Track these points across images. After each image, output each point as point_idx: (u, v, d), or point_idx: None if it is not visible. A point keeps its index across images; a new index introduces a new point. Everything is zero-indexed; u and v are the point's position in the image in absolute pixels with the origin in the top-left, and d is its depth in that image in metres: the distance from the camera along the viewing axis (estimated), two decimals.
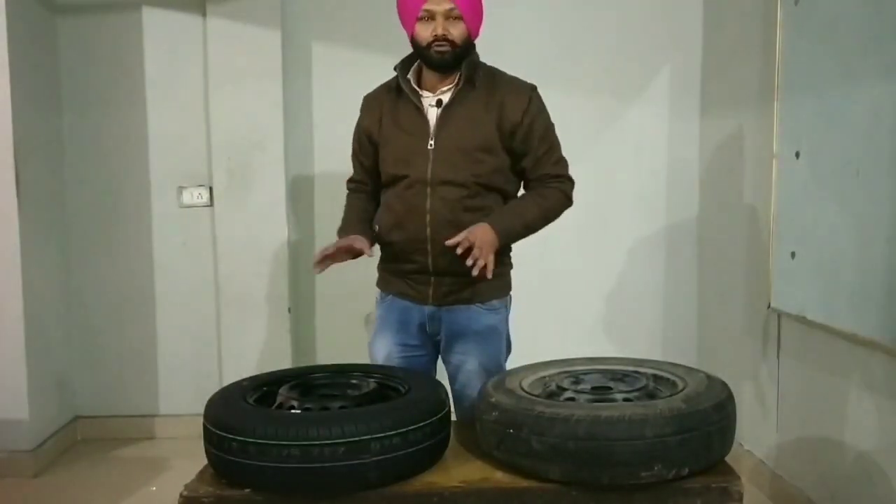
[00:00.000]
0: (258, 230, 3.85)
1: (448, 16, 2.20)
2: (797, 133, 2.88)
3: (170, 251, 4.01)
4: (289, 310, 3.90)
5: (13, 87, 3.42)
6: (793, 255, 2.91)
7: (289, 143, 3.87)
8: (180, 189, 3.97)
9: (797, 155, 2.88)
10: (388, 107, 2.34)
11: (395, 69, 2.34)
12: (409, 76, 2.32)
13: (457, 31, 2.21)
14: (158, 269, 4.02)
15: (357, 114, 2.50)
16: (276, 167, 3.84)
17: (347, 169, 2.50)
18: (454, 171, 2.23)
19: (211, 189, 3.92)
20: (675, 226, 4.02)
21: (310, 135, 3.98)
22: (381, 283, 2.46)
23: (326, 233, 4.02)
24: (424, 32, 2.22)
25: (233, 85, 3.80)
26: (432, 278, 2.31)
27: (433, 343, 2.41)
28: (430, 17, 2.20)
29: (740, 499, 1.77)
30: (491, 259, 2.14)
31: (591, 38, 3.93)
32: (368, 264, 3.90)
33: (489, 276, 2.14)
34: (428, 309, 2.34)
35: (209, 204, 3.95)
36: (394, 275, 2.39)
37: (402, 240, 2.31)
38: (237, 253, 3.87)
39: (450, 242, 2.13)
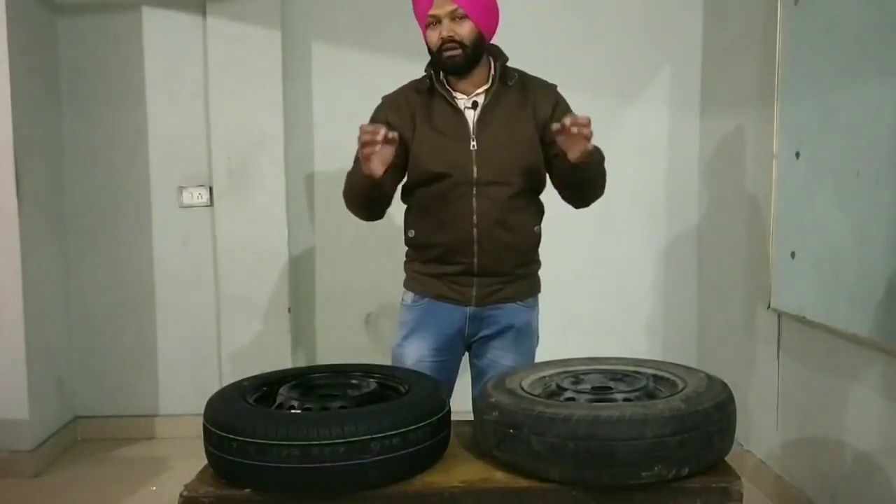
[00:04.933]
0: (258, 230, 3.85)
1: (453, 16, 2.19)
2: (797, 133, 2.89)
3: (170, 251, 4.01)
4: (289, 310, 3.90)
5: (13, 87, 3.42)
6: (793, 255, 2.91)
7: (289, 143, 3.87)
8: (180, 189, 3.97)
9: (797, 155, 2.88)
10: (419, 107, 2.30)
11: (425, 71, 2.31)
12: (441, 78, 2.30)
13: (464, 31, 2.20)
14: (158, 269, 4.02)
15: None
16: (276, 167, 3.85)
17: (347, 168, 2.46)
18: (499, 172, 2.23)
19: (211, 189, 3.93)
20: (675, 226, 4.02)
21: (310, 135, 3.98)
22: (415, 286, 2.39)
23: (326, 232, 4.05)
24: (433, 37, 2.23)
25: (233, 85, 3.80)
26: (475, 279, 2.31)
27: (465, 346, 2.41)
28: (437, 21, 2.20)
29: (740, 499, 1.76)
30: (591, 146, 2.05)
31: (591, 38, 3.93)
32: (368, 264, 3.93)
33: (588, 148, 2.04)
34: (470, 310, 2.34)
35: (209, 204, 3.95)
36: (432, 277, 2.34)
37: (446, 242, 2.29)
38: (237, 253, 3.87)
39: (564, 121, 2.00)
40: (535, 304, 2.44)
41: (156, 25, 3.91)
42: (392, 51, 3.84)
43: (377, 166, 2.08)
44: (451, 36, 2.19)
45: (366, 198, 2.27)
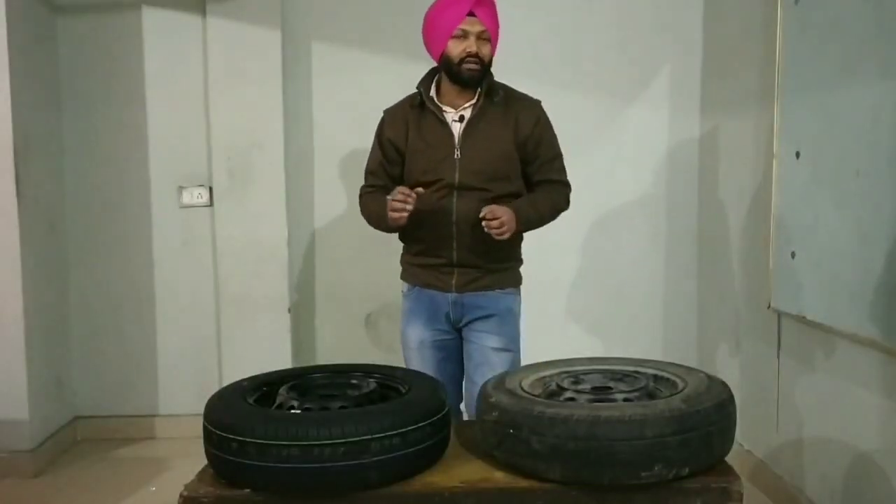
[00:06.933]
0: (258, 230, 3.85)
1: (480, 37, 2.46)
2: (797, 133, 2.89)
3: (170, 251, 4.01)
4: (289, 310, 3.90)
5: (13, 87, 3.42)
6: (793, 255, 2.91)
7: (289, 143, 3.87)
8: (180, 189, 3.97)
9: (797, 155, 2.88)
10: (412, 121, 2.56)
11: (417, 88, 2.56)
12: (431, 94, 2.55)
13: (485, 51, 2.48)
14: (158, 269, 4.02)
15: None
16: (275, 167, 3.85)
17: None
18: (478, 179, 2.49)
19: (211, 189, 3.93)
20: (675, 226, 4.02)
21: (310, 135, 3.98)
22: (408, 276, 2.68)
23: (326, 233, 4.05)
24: (457, 49, 2.46)
25: (233, 85, 3.80)
26: (455, 269, 2.56)
27: (456, 331, 2.64)
28: (464, 35, 2.45)
29: (740, 499, 1.77)
30: (506, 237, 2.41)
31: (591, 38, 3.93)
32: (368, 265, 3.93)
33: (504, 238, 2.41)
34: (451, 296, 2.58)
35: (209, 204, 3.95)
36: (420, 268, 2.62)
37: (429, 237, 2.55)
38: (237, 253, 3.87)
39: (483, 214, 2.38)
40: (516, 293, 2.66)
41: (156, 25, 3.91)
42: (392, 51, 3.84)
43: (403, 220, 2.41)
44: (477, 52, 2.45)
45: (387, 231, 2.61)
